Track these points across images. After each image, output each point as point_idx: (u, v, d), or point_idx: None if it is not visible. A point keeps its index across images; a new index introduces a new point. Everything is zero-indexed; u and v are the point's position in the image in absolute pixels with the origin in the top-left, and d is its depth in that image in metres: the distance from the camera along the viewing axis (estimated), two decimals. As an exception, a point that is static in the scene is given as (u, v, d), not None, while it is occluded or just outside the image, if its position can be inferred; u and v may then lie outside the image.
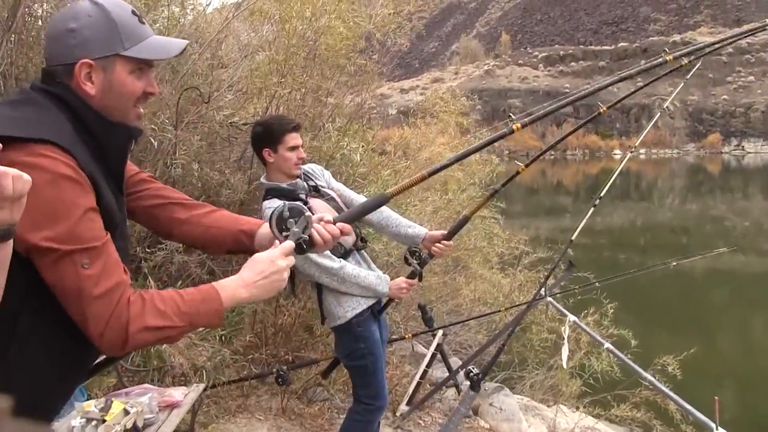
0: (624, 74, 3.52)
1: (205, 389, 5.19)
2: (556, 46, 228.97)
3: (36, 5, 5.68)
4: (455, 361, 7.30)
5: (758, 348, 15.71)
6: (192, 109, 6.40)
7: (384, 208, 4.45)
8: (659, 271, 5.74)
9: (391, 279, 4.33)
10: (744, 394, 11.73)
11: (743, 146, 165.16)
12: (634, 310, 14.40)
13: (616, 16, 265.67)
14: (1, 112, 1.83)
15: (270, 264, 2.06)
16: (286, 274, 2.11)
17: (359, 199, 4.48)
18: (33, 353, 1.82)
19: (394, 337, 6.40)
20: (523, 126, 2.81)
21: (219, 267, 6.27)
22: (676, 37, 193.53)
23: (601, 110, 4.57)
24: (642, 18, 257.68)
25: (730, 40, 3.91)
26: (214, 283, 2.01)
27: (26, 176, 1.39)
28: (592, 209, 5.18)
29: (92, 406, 4.04)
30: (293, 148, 4.07)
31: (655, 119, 6.64)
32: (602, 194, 5.21)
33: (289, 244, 2.15)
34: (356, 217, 2.66)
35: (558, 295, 5.30)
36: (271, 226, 2.21)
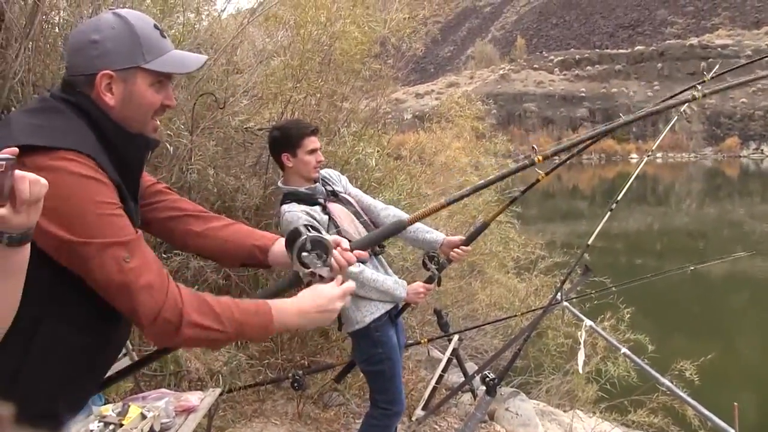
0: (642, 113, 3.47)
1: (221, 394, 5.19)
2: (572, 49, 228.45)
3: (53, 13, 5.72)
4: (471, 366, 7.28)
5: (777, 353, 15.59)
6: (207, 115, 6.42)
7: (402, 213, 4.46)
8: (676, 275, 5.71)
9: (408, 284, 4.33)
10: (764, 400, 11.62)
11: (762, 150, 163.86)
12: (652, 314, 14.33)
13: (632, 19, 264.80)
14: (24, 120, 1.84)
15: (329, 302, 2.11)
16: (336, 315, 2.17)
17: (376, 204, 4.48)
18: (52, 359, 1.83)
19: (409, 341, 6.39)
20: (545, 158, 2.81)
21: (235, 272, 6.30)
22: (694, 41, 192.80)
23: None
24: (659, 21, 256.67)
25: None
26: (269, 301, 2.04)
27: (43, 180, 1.40)
28: (609, 213, 5.15)
29: (109, 410, 4.07)
30: (312, 152, 4.08)
31: (672, 123, 6.52)
32: (619, 198, 5.18)
33: (351, 286, 2.19)
34: (373, 242, 2.66)
35: (574, 299, 5.26)
36: (292, 260, 2.22)
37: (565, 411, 7.76)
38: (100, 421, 3.95)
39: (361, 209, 4.33)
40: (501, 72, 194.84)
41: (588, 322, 4.51)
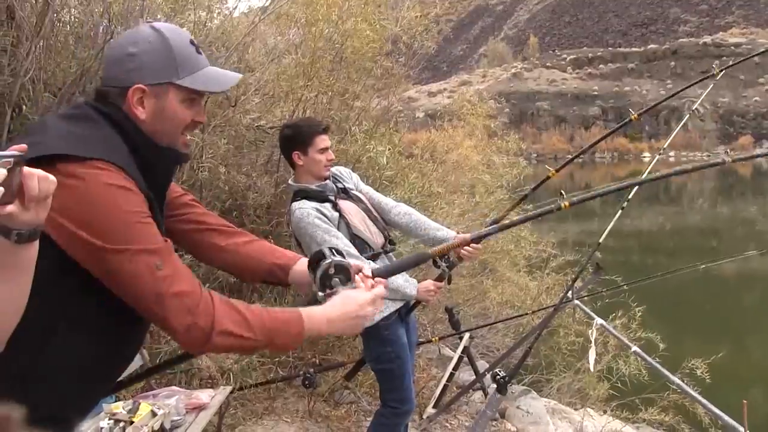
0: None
1: (232, 392, 5.21)
2: (585, 48, 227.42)
3: (64, 11, 5.74)
4: (482, 364, 7.29)
5: (789, 352, 15.51)
6: (219, 113, 6.43)
7: (412, 211, 4.47)
8: (688, 274, 5.66)
9: (418, 282, 4.32)
10: (774, 398, 11.58)
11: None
12: (663, 313, 14.27)
13: (645, 17, 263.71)
14: (60, 126, 1.85)
15: (359, 308, 2.11)
16: (367, 322, 2.17)
17: (387, 201, 4.48)
18: (66, 364, 1.83)
19: (421, 340, 6.39)
20: (572, 204, 2.80)
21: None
22: (707, 39, 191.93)
23: (632, 117, 4.56)
24: (672, 19, 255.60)
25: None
26: (301, 309, 2.04)
27: (51, 177, 1.40)
28: (620, 212, 5.14)
29: (120, 407, 4.08)
30: (323, 150, 4.08)
31: (683, 121, 6.52)
32: (630, 197, 5.17)
33: (381, 291, 2.20)
34: (395, 271, 2.66)
35: (585, 298, 5.25)
36: (314, 281, 2.21)
37: (576, 409, 7.75)
38: (110, 419, 3.96)
39: (371, 206, 4.33)
40: (513, 70, 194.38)
41: (599, 321, 4.49)
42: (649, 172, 5.13)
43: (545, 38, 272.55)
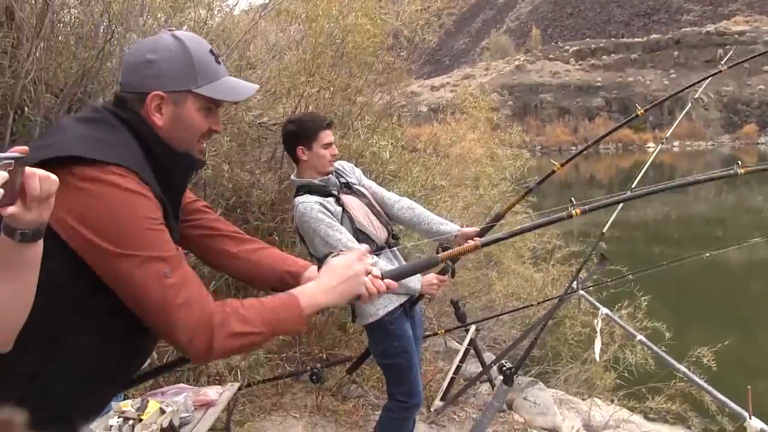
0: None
1: (240, 388, 5.23)
2: (587, 39, 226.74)
3: (64, 11, 5.74)
4: (488, 356, 7.31)
5: (796, 339, 15.49)
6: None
7: (415, 205, 4.48)
8: (693, 262, 5.66)
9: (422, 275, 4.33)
10: (780, 385, 11.58)
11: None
12: (668, 302, 14.27)
13: (648, 7, 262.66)
14: (78, 129, 1.86)
15: (347, 268, 2.12)
16: (363, 278, 2.16)
17: (390, 196, 4.49)
18: (75, 366, 1.83)
19: (427, 333, 6.40)
20: (583, 213, 2.81)
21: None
22: (710, 27, 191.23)
23: (639, 112, 4.56)
24: (675, 8, 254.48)
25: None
26: (293, 290, 2.05)
27: (53, 176, 1.41)
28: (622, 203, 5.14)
29: (129, 405, 4.09)
30: (327, 145, 4.10)
31: (686, 110, 6.51)
32: (633, 186, 5.17)
33: (365, 247, 2.18)
34: (404, 275, 2.67)
35: (591, 288, 5.25)
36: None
37: (583, 399, 7.77)
38: (119, 417, 3.98)
39: (374, 201, 4.34)
40: (516, 63, 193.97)
41: (604, 311, 4.50)
42: (652, 162, 5.16)
43: (547, 30, 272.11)
